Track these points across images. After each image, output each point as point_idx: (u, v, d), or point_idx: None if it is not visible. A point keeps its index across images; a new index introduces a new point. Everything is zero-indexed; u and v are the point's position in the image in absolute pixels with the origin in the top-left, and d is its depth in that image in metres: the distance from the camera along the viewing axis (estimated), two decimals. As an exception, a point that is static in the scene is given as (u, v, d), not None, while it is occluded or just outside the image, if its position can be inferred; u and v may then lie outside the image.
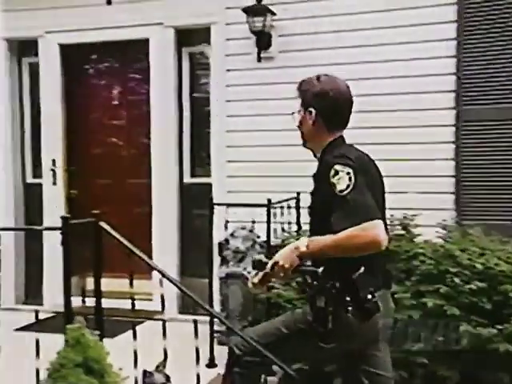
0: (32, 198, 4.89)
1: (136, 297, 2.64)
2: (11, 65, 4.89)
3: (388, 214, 2.09)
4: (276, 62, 4.16)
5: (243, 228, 3.76)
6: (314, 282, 1.96)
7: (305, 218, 3.74)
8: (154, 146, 4.53)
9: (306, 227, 3.51)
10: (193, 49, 4.56)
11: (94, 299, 2.51)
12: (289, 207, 3.66)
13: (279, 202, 3.50)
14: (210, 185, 4.31)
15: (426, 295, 2.76)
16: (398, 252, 2.97)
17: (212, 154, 4.38)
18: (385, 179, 2.06)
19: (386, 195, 2.10)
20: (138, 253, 2.29)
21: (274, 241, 3.33)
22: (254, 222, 3.68)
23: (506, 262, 2.84)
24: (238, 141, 4.23)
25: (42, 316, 3.05)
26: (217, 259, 3.74)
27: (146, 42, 4.50)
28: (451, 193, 3.81)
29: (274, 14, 4.06)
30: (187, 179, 4.57)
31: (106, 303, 2.59)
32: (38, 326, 2.45)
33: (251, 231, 3.64)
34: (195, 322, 2.50)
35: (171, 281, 2.34)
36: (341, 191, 1.92)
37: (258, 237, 3.70)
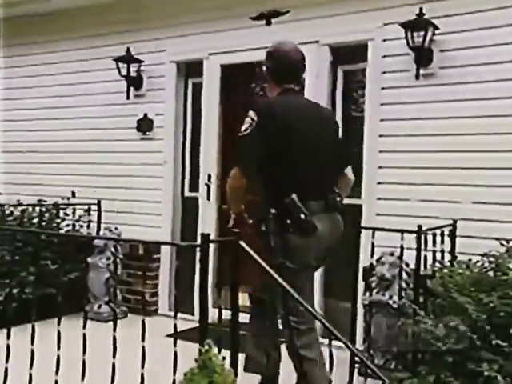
0: (189, 211, 5.14)
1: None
2: (178, 85, 5.20)
3: None
4: (436, 79, 3.91)
5: (391, 254, 3.56)
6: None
7: (461, 247, 3.48)
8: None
9: (461, 257, 3.26)
10: (348, 66, 4.47)
11: (230, 312, 2.52)
12: (442, 235, 3.39)
13: (431, 229, 3.26)
14: (358, 206, 4.16)
15: None
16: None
17: (364, 175, 4.23)
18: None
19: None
20: (273, 273, 2.25)
21: (423, 270, 3.11)
22: (402, 248, 3.46)
23: None
24: (389, 162, 4.04)
25: (190, 325, 3.16)
26: (361, 284, 3.60)
27: (302, 60, 4.52)
28: None
29: (436, 27, 3.83)
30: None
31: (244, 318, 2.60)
32: (186, 334, 2.50)
33: (399, 258, 3.43)
34: (330, 351, 2.38)
35: (306, 308, 2.26)
36: (239, 131, 2.52)
37: (407, 264, 3.48)
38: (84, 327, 2.56)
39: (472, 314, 2.49)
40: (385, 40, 4.09)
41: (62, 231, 4.93)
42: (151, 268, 4.99)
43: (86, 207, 5.12)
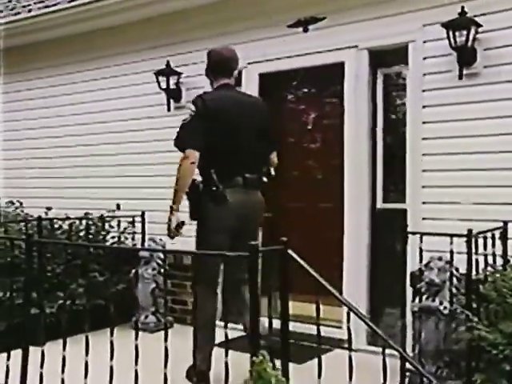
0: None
1: (324, 323, 2.59)
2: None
3: None
4: (481, 79, 3.82)
5: (440, 259, 3.47)
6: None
7: (513, 250, 3.38)
8: (347, 170, 4.45)
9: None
10: (387, 70, 4.41)
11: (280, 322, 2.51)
12: (493, 237, 3.30)
13: (482, 232, 3.17)
14: (402, 211, 4.09)
15: None
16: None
17: (407, 179, 4.17)
18: None
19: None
20: (324, 283, 2.23)
21: (474, 275, 3.03)
22: (452, 252, 3.38)
23: None
24: (433, 164, 3.96)
25: (236, 334, 3.17)
26: (409, 290, 3.53)
27: (341, 65, 4.48)
28: None
29: (479, 25, 3.74)
30: (380, 204, 4.40)
31: (293, 327, 2.56)
32: (233, 343, 2.49)
33: (448, 263, 3.35)
34: (384, 359, 2.34)
35: (359, 316, 2.23)
36: (182, 120, 3.21)
37: (457, 269, 3.39)
38: (136, 338, 2.60)
39: (529, 319, 2.41)
40: (425, 41, 4.02)
41: (107, 243, 5.01)
42: (196, 278, 5.01)
43: (130, 219, 5.19)
